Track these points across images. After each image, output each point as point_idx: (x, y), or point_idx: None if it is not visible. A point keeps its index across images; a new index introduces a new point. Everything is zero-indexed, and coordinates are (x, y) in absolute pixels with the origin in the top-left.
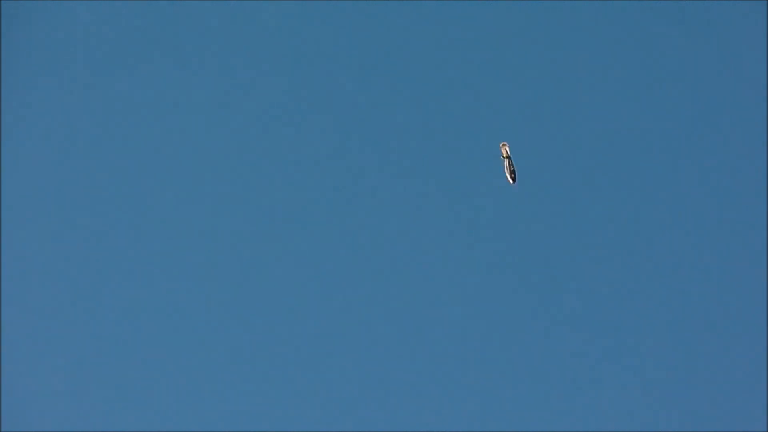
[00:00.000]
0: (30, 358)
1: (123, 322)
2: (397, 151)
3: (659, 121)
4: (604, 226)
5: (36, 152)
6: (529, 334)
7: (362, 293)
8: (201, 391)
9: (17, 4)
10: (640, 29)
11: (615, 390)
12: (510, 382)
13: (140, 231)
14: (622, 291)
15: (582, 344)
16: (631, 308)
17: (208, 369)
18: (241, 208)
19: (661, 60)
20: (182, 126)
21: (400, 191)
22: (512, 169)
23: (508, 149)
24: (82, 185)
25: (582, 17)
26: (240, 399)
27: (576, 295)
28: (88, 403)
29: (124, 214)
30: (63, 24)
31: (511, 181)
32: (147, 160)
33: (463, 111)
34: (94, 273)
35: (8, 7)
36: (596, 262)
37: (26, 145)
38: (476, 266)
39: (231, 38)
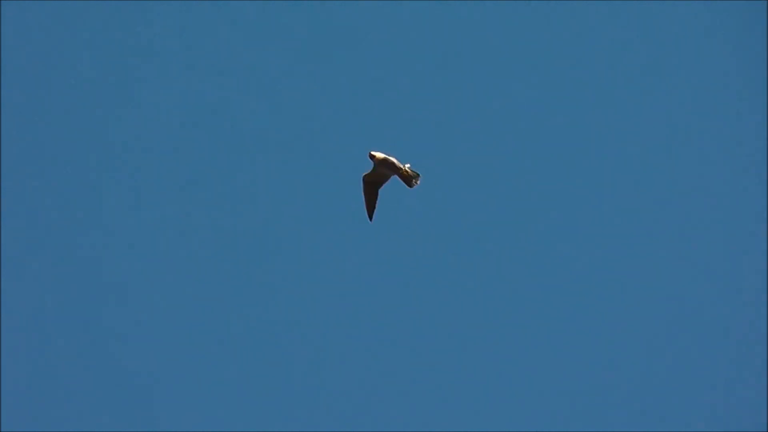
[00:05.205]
0: (30, 358)
1: (123, 321)
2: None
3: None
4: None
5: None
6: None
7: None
8: (201, 391)
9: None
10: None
11: (612, 390)
12: (509, 383)
13: (139, 227)
14: (622, 292)
15: (578, 343)
16: (628, 308)
17: (208, 370)
18: (240, 206)
19: (658, 59)
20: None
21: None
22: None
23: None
24: (82, 184)
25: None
26: (239, 399)
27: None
28: (88, 402)
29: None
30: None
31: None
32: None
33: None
34: (95, 268)
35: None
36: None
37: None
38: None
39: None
